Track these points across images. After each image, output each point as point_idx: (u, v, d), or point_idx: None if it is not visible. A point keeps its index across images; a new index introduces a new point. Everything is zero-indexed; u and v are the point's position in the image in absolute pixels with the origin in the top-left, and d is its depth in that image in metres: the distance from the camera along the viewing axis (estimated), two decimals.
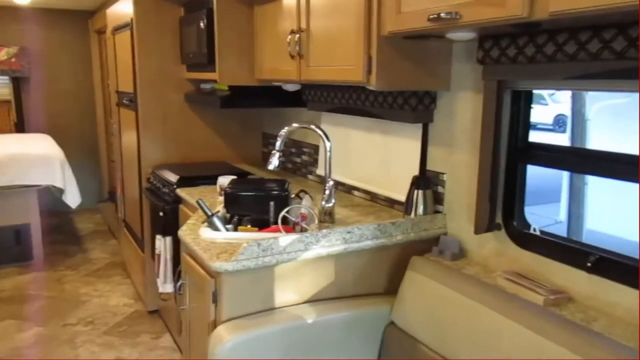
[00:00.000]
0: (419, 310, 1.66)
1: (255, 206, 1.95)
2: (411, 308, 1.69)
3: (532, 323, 1.34)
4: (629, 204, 5.80)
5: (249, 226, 1.92)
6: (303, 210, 1.93)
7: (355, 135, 2.45)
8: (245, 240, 1.66)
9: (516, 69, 1.53)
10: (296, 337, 1.65)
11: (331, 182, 1.97)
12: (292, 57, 2.13)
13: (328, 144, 2.00)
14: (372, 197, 2.36)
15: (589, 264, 1.48)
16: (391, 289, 1.86)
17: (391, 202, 2.24)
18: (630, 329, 1.37)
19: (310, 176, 2.89)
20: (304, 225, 1.91)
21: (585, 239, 5.67)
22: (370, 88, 1.75)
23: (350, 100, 2.24)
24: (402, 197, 2.09)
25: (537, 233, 1.68)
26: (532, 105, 1.67)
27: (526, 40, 1.45)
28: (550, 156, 1.65)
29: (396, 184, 2.17)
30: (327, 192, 1.98)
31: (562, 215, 6.32)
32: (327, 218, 1.99)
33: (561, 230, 5.81)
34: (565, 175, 6.34)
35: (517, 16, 1.19)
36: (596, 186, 5.88)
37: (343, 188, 2.54)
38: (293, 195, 2.12)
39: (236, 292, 1.65)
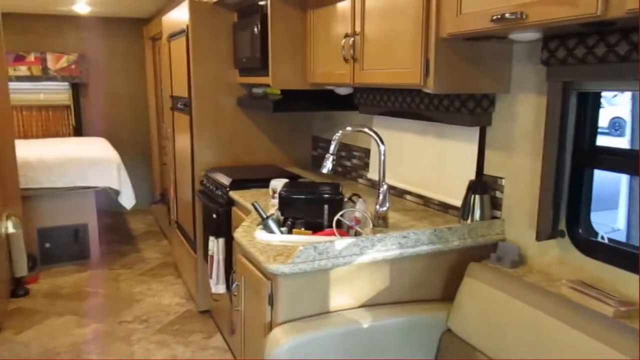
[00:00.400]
0: (476, 318, 1.62)
1: (309, 209, 1.96)
2: (469, 315, 1.65)
3: (601, 334, 1.29)
4: None
5: (303, 229, 1.93)
6: (357, 214, 1.92)
7: (407, 139, 2.42)
8: (300, 243, 1.67)
9: (584, 69, 1.47)
10: (352, 341, 1.64)
11: (385, 186, 1.96)
12: (346, 60, 2.13)
13: (382, 147, 1.98)
14: (425, 201, 2.33)
15: None
16: (447, 295, 1.83)
17: (445, 207, 2.20)
18: None
19: (360, 180, 2.88)
20: (358, 229, 1.90)
21: None
22: (427, 91, 1.72)
23: (403, 104, 2.21)
24: (456, 202, 2.05)
25: (605, 240, 1.61)
26: (601, 107, 1.60)
27: (596, 40, 1.40)
28: (619, 160, 1.58)
29: (451, 189, 2.13)
30: (380, 196, 1.96)
31: (621, 222, 6.04)
32: (381, 222, 1.97)
33: (620, 239, 5.56)
34: (624, 180, 6.05)
35: (591, 15, 1.14)
36: None
37: (395, 192, 2.52)
38: (346, 199, 2.11)
39: (292, 294, 1.66)
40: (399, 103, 2.25)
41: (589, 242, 1.64)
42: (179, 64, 3.39)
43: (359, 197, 2.12)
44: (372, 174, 2.72)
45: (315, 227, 1.94)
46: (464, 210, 1.94)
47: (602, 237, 1.62)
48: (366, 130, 2.03)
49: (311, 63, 2.53)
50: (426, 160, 2.30)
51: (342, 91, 2.60)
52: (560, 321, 1.39)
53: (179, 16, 3.33)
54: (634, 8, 1.06)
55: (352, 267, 1.71)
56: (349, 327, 1.64)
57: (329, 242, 1.64)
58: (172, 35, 3.56)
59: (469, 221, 1.91)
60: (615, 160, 1.58)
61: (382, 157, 2.00)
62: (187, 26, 3.09)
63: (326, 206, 1.92)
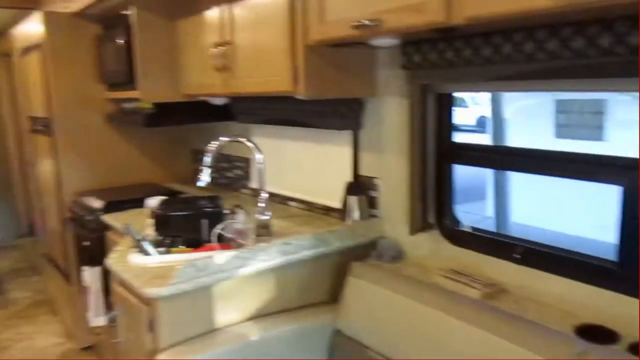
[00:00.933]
0: (362, 316, 1.66)
1: (187, 226, 1.89)
2: (355, 314, 1.69)
3: (472, 317, 1.38)
4: (548, 197, 6.20)
5: (183, 247, 1.84)
6: (238, 226, 1.88)
7: (287, 146, 2.44)
8: (179, 263, 1.60)
9: (437, 73, 1.58)
10: (243, 356, 1.60)
11: (265, 195, 1.95)
12: (218, 70, 2.09)
13: (259, 156, 1.97)
14: (308, 206, 2.35)
15: (517, 256, 1.55)
16: (335, 297, 1.86)
17: (327, 210, 2.24)
18: (560, 314, 1.44)
19: (244, 190, 2.84)
20: (241, 241, 1.86)
21: (512, 232, 5.99)
22: (299, 97, 1.75)
23: (280, 111, 2.23)
24: (337, 204, 2.10)
25: (468, 230, 1.74)
26: (455, 107, 1.73)
27: (445, 45, 1.51)
28: (474, 155, 1.72)
29: (331, 192, 2.18)
30: (261, 205, 1.95)
31: (490, 211, 6.64)
32: (264, 231, 1.95)
33: (491, 226, 6.11)
34: (490, 173, 6.68)
35: (436, 22, 1.23)
36: (518, 181, 6.23)
37: (278, 199, 2.52)
38: (227, 211, 2.07)
39: (174, 317, 1.58)
40: (275, 111, 2.26)
41: (455, 232, 1.77)
42: (36, 81, 3.10)
43: (241, 208, 2.08)
44: (254, 183, 2.70)
45: (196, 244, 1.87)
46: (344, 212, 1.98)
47: (465, 227, 1.75)
48: (242, 139, 2.00)
49: (183, 74, 2.45)
50: (306, 165, 2.33)
51: (218, 101, 2.55)
52: (436, 309, 1.47)
53: (32, 29, 3.04)
54: (471, 15, 1.16)
55: (237, 280, 1.67)
56: (238, 342, 1.60)
57: (209, 258, 1.59)
58: (26, 50, 3.25)
59: (349, 222, 1.96)
60: (471, 155, 1.72)
61: (260, 166, 1.98)
62: (43, 39, 2.83)
63: (205, 221, 1.86)
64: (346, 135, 2.07)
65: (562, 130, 7.83)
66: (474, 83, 1.57)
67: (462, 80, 1.54)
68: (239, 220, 1.90)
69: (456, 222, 1.78)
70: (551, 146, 1.67)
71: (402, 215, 1.89)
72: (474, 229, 1.73)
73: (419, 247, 1.87)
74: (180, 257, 1.71)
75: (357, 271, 1.75)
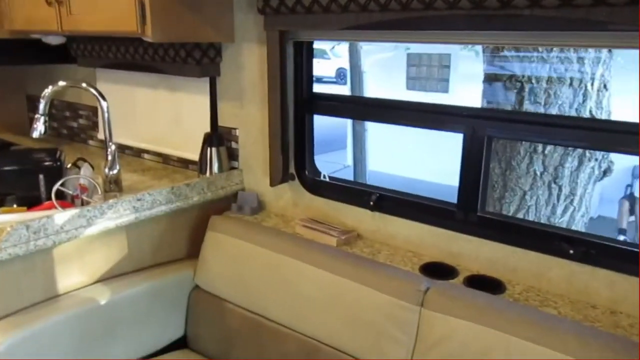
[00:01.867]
0: (222, 270, 1.63)
1: (20, 182, 1.66)
2: (214, 268, 1.66)
3: (328, 264, 1.42)
4: (400, 145, 6.66)
5: (15, 206, 1.62)
6: (82, 181, 1.71)
7: (140, 94, 2.24)
8: (9, 224, 1.40)
9: (296, 19, 1.54)
10: (90, 322, 1.48)
11: (113, 147, 1.78)
12: (49, 3, 1.81)
13: (104, 104, 1.78)
14: (165, 159, 2.22)
15: (371, 203, 1.62)
16: (194, 252, 1.79)
17: (185, 163, 2.13)
18: (408, 254, 1.56)
19: (91, 142, 2.58)
20: (85, 198, 1.69)
21: (368, 179, 6.36)
22: (147, 40, 1.59)
23: (127, 55, 2.02)
24: (195, 157, 2.00)
25: (327, 179, 1.78)
26: (314, 57, 1.71)
27: None
28: (333, 105, 1.74)
29: (189, 144, 2.07)
30: (109, 157, 1.78)
31: (349, 160, 6.95)
32: (114, 187, 1.80)
33: (349, 174, 6.41)
34: (349, 123, 6.94)
35: None
36: (375, 131, 6.57)
37: (131, 152, 2.33)
38: (69, 165, 1.86)
39: (6, 285, 1.39)
40: (122, 54, 2.05)
41: (314, 182, 1.79)
42: None
43: (85, 161, 1.89)
44: (102, 134, 2.46)
45: (32, 202, 1.66)
46: (202, 164, 1.90)
47: (324, 177, 1.79)
48: (84, 85, 1.78)
49: (7, 6, 2.09)
50: (162, 115, 2.17)
51: (53, 40, 2.23)
52: (295, 259, 1.49)
53: None
54: None
55: (81, 240, 1.52)
56: (83, 307, 1.47)
57: (46, 218, 1.41)
58: None
59: (207, 175, 1.88)
60: (330, 105, 1.73)
61: (107, 115, 1.79)
62: None
63: (41, 176, 1.65)
64: (203, 83, 1.95)
65: (412, 83, 8.38)
66: (332, 31, 1.56)
67: (320, 28, 1.52)
68: (83, 175, 1.72)
69: (316, 172, 1.81)
70: (403, 97, 1.74)
71: (263, 166, 1.87)
72: (332, 178, 1.77)
73: (280, 197, 1.87)
74: (11, 218, 1.51)
75: (216, 225, 1.70)
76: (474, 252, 1.46)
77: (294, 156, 1.79)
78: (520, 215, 2.71)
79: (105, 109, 1.78)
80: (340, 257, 1.44)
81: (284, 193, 1.85)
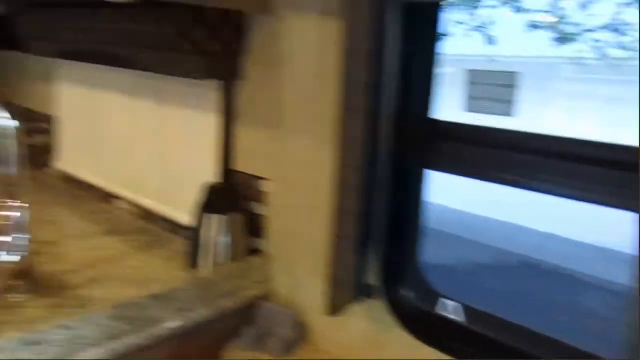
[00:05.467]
0: None
1: None
2: None
3: None
4: None
5: None
6: None
7: (112, 103, 1.44)
8: None
9: None
10: None
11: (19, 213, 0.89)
12: None
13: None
14: (145, 213, 1.35)
15: None
16: None
17: (174, 225, 1.25)
18: None
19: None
20: None
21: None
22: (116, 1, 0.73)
23: (94, 35, 1.20)
24: (188, 220, 1.12)
25: (449, 314, 0.84)
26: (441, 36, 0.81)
27: None
28: (485, 153, 0.81)
29: (181, 195, 1.23)
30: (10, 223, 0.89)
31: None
32: (20, 283, 0.91)
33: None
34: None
35: None
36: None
37: (98, 194, 1.49)
38: None
39: None
40: (87, 34, 1.21)
41: (419, 311, 0.85)
42: None
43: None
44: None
45: None
46: (196, 247, 1.00)
47: (446, 306, 0.85)
48: None
49: None
50: (141, 140, 1.35)
51: None
52: None
53: None
54: None
55: None
56: None
57: None
58: None
59: (204, 270, 0.98)
60: (479, 152, 0.80)
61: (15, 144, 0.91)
62: None
63: None
64: (211, 90, 1.14)
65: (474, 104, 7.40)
66: None
67: None
68: None
69: (425, 289, 0.88)
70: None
71: (313, 259, 0.95)
72: (469, 310, 0.82)
73: (341, 326, 0.94)
74: None
75: None
76: None
77: (382, 252, 0.86)
78: None
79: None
80: None
81: (353, 319, 0.92)
